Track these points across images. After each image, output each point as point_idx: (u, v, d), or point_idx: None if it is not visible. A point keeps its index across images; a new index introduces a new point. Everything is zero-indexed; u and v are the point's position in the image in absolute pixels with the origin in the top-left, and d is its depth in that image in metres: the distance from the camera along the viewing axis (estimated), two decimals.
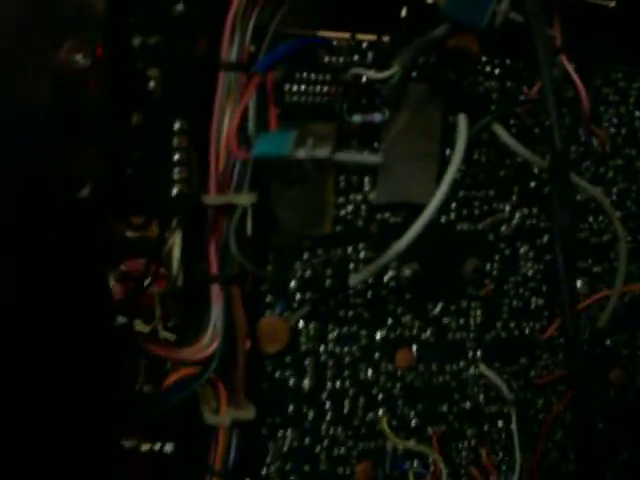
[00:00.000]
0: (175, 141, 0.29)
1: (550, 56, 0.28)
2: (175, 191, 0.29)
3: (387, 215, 0.36)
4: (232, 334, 0.32)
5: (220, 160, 0.30)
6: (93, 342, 0.28)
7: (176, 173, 0.29)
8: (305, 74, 0.32)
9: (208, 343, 0.32)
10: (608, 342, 0.45)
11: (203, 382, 0.32)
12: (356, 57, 0.33)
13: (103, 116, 0.26)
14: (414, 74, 0.35)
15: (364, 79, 0.33)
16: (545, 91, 0.28)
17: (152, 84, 0.28)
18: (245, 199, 0.30)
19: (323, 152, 0.27)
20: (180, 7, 0.28)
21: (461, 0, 0.29)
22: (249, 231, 0.32)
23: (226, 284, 0.31)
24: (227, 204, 0.30)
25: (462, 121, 0.34)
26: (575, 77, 0.36)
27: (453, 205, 0.38)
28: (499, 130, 0.35)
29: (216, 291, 0.31)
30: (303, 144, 0.27)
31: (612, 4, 0.37)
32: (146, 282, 0.32)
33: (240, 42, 0.30)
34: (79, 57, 0.25)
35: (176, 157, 0.29)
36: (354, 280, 0.34)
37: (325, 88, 0.33)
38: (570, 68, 0.36)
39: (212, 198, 0.30)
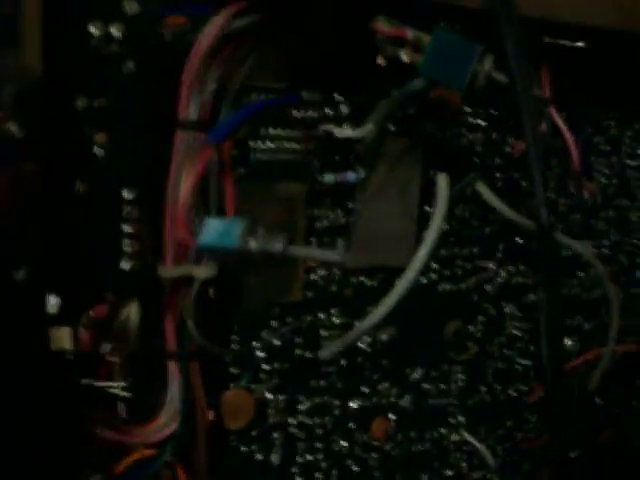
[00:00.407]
0: (125, 211, 0.26)
1: (535, 121, 0.25)
2: (126, 266, 0.27)
3: (362, 279, 0.33)
4: (192, 412, 0.30)
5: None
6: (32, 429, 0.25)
7: (126, 246, 0.27)
8: (273, 130, 0.30)
9: (165, 423, 0.29)
10: (600, 402, 0.42)
11: (160, 466, 0.29)
12: (329, 111, 0.31)
13: (40, 189, 0.24)
14: (392, 128, 0.32)
15: (336, 136, 0.30)
16: (530, 158, 0.25)
17: (98, 150, 0.26)
18: (204, 271, 0.28)
19: (276, 246, 0.25)
20: (130, 65, 0.26)
21: (439, 60, 0.26)
22: (212, 299, 0.29)
23: (184, 361, 0.29)
24: (185, 276, 0.28)
25: (442, 180, 0.31)
26: (564, 129, 0.34)
27: (434, 265, 0.35)
28: (483, 189, 0.33)
29: (173, 368, 0.29)
30: (254, 235, 0.25)
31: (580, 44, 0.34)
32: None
33: (199, 98, 0.27)
34: (12, 127, 0.23)
35: (126, 229, 0.27)
36: (324, 354, 0.31)
37: (295, 145, 0.30)
38: (559, 120, 0.34)
39: (168, 270, 0.28)
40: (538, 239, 0.25)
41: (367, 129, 0.29)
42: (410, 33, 0.26)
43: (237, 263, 0.27)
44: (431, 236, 0.31)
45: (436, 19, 0.28)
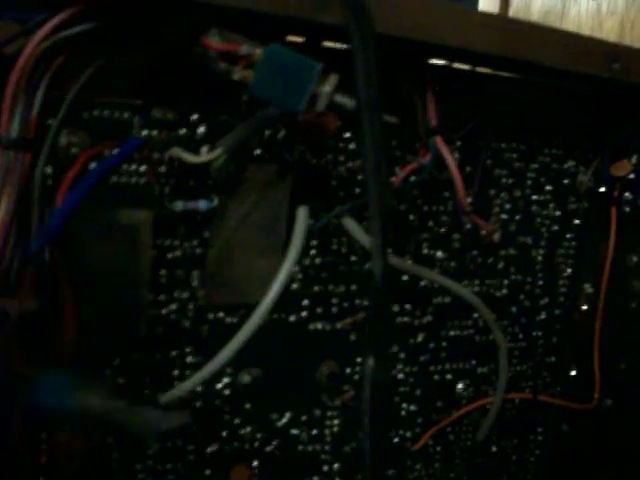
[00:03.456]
0: None
1: (382, 157, 0.22)
2: None
3: (221, 315, 0.31)
4: None
5: None
6: None
7: None
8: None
9: None
10: (494, 449, 0.40)
11: None
12: (183, 132, 0.28)
13: None
14: (258, 152, 0.29)
15: (184, 161, 0.27)
16: (369, 199, 0.22)
17: None
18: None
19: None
20: None
21: (272, 79, 0.23)
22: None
23: None
24: None
25: (301, 212, 0.28)
26: (450, 161, 0.31)
27: (305, 302, 0.32)
28: (350, 225, 0.30)
29: None
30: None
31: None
32: None
33: (24, 115, 0.24)
34: None
35: None
36: (163, 399, 0.28)
37: (141, 168, 0.27)
38: (445, 151, 0.31)
39: None
40: (371, 298, 0.22)
41: (216, 153, 0.26)
42: (244, 48, 0.23)
43: None
44: (284, 272, 0.28)
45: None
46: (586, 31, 0.67)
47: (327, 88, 0.24)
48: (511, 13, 0.76)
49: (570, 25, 0.66)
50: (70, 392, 0.25)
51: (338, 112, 0.24)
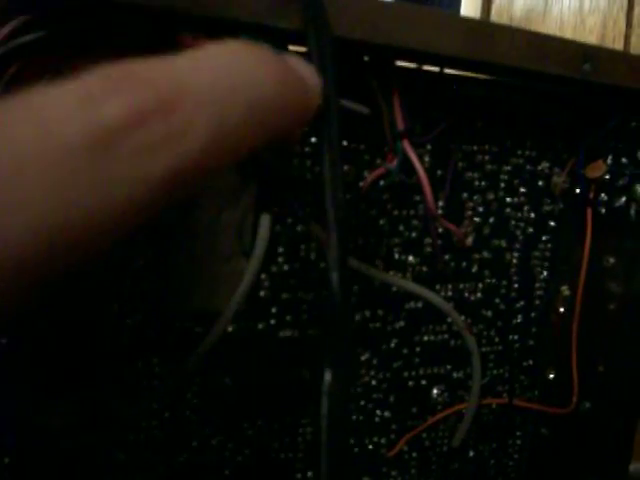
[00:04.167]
0: None
1: (338, 165, 0.22)
2: None
3: (187, 324, 0.30)
4: None
5: None
6: None
7: None
8: None
9: None
10: (471, 454, 0.39)
11: None
12: None
13: None
14: None
15: None
16: (327, 204, 0.22)
17: None
18: None
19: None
20: None
21: None
22: None
23: None
24: None
25: (265, 220, 0.28)
26: (417, 165, 0.31)
27: (274, 309, 0.32)
28: (318, 230, 0.30)
29: None
30: None
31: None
32: None
33: None
34: None
35: None
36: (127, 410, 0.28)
37: None
38: (412, 155, 0.31)
39: None
40: (329, 311, 0.22)
41: None
42: None
43: None
44: (247, 279, 0.28)
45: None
46: (569, 29, 0.66)
47: None
48: (494, 11, 0.76)
49: (552, 23, 0.66)
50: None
51: None
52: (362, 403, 0.35)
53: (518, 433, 0.41)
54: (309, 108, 0.20)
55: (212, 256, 0.30)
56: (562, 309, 0.40)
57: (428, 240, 0.35)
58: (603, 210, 0.38)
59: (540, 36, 0.31)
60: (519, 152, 0.37)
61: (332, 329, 0.22)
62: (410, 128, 0.31)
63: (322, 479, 0.20)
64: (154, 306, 0.29)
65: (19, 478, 0.28)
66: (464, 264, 0.36)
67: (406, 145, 0.31)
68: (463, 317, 0.36)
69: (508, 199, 0.37)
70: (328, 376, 0.21)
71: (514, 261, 0.38)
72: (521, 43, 0.30)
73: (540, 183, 0.38)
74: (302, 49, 0.29)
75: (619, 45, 0.68)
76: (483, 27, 0.29)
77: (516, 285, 0.38)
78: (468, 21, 0.29)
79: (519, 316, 0.39)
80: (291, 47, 0.29)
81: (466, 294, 0.37)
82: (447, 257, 0.36)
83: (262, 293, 0.31)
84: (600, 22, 0.64)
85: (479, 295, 0.37)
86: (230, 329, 0.31)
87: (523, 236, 0.38)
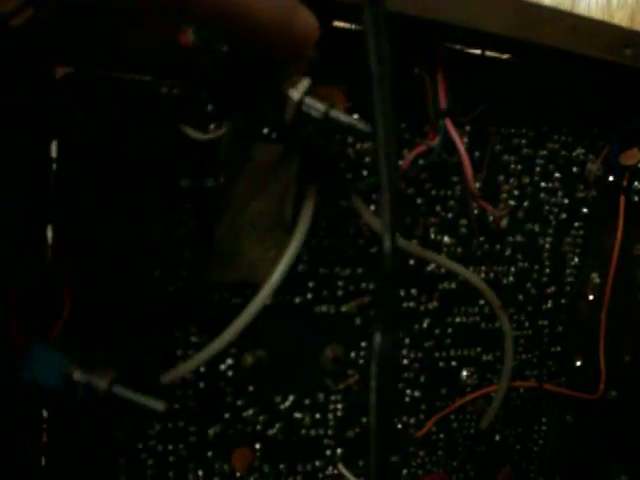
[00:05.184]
0: None
1: (392, 133, 0.22)
2: None
3: (226, 295, 0.30)
4: None
5: None
6: None
7: None
8: None
9: None
10: (497, 438, 0.39)
11: None
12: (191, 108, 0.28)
13: None
14: (266, 131, 0.29)
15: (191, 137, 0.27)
16: (382, 185, 0.22)
17: None
18: None
19: (100, 384, 0.23)
20: None
21: None
22: None
23: None
24: None
25: (309, 193, 0.28)
26: (459, 144, 0.31)
27: (311, 284, 0.32)
28: (360, 205, 0.30)
29: None
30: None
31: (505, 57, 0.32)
32: None
33: None
34: None
35: None
36: (165, 378, 0.28)
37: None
38: (454, 134, 0.31)
39: None
40: (380, 274, 0.22)
41: (221, 131, 0.26)
42: None
43: None
44: (290, 252, 0.28)
45: None
46: None
47: (296, 95, 0.23)
48: None
49: None
50: (70, 369, 0.24)
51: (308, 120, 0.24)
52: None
53: (544, 419, 0.41)
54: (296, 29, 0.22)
55: (254, 229, 0.30)
56: (591, 297, 0.40)
57: (463, 221, 0.35)
58: (636, 198, 0.38)
59: (584, 19, 0.31)
60: (555, 137, 0.37)
61: (382, 292, 0.22)
62: (453, 107, 0.31)
63: (371, 436, 0.21)
64: (194, 276, 0.29)
65: (55, 435, 0.28)
66: (498, 247, 0.36)
67: (448, 123, 0.31)
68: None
69: (543, 184, 0.37)
70: (378, 338, 0.21)
71: (546, 246, 0.38)
72: (565, 25, 0.30)
73: (575, 169, 0.38)
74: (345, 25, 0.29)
75: None
76: (529, 8, 0.29)
77: (547, 270, 0.38)
78: (515, 2, 0.29)
79: (549, 301, 0.39)
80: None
81: (499, 277, 0.37)
82: (482, 239, 0.36)
83: (300, 267, 0.32)
84: (628, 17, 0.64)
85: (511, 279, 0.37)
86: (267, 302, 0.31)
87: (556, 221, 0.38)
